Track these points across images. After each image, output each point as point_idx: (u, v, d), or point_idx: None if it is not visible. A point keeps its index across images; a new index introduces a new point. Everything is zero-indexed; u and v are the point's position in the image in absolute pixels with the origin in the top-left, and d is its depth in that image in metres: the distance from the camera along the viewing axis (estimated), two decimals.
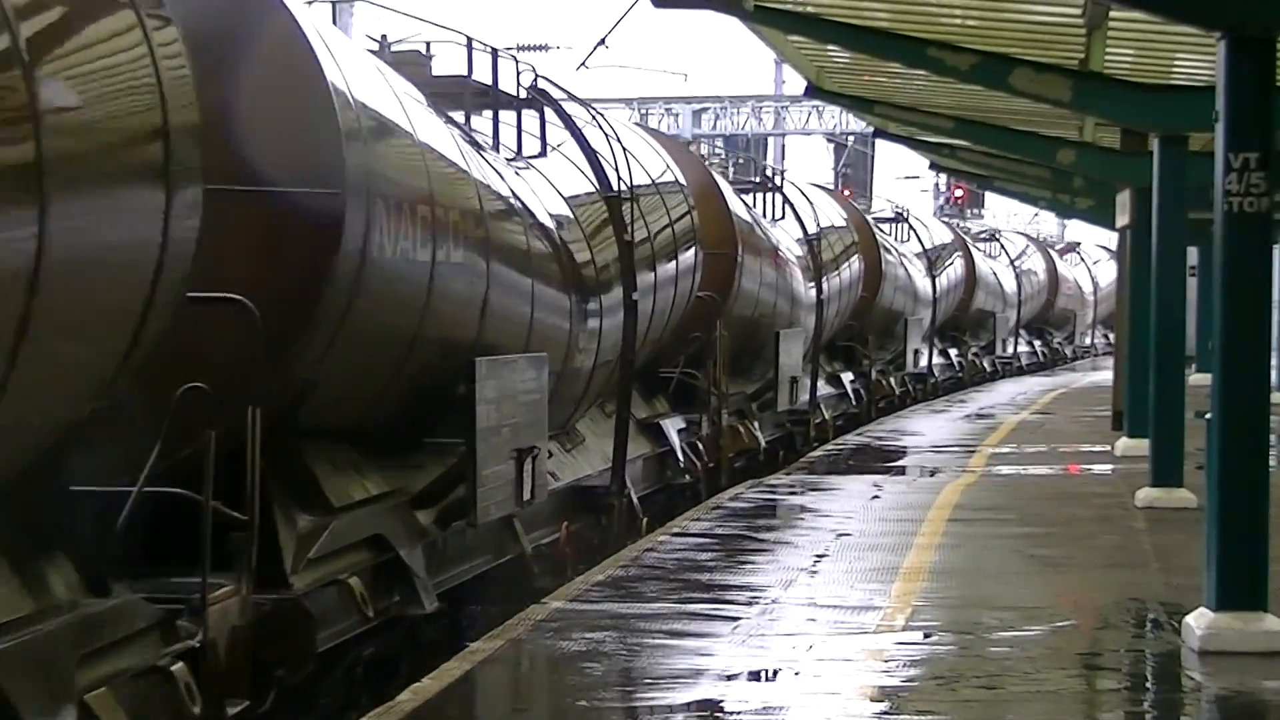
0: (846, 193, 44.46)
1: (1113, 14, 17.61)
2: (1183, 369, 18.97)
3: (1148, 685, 10.85)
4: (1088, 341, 69.92)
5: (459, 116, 14.74)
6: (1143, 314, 21.53)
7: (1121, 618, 12.42)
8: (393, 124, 12.15)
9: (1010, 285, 54.41)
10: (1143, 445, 20.29)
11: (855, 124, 60.37)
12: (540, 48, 59.50)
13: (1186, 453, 18.28)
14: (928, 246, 43.65)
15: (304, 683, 10.27)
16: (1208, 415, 11.45)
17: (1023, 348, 56.52)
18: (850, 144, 70.30)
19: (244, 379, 9.07)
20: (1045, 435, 28.53)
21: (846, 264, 33.54)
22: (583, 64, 35.03)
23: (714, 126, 65.51)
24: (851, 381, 34.48)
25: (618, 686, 10.16)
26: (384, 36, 15.72)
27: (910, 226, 43.47)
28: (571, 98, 18.31)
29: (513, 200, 14.86)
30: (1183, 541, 15.22)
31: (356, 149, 10.96)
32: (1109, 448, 24.60)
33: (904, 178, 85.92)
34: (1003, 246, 56.29)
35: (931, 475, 22.20)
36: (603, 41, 33.41)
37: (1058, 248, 70.82)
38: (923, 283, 41.50)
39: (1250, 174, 11.03)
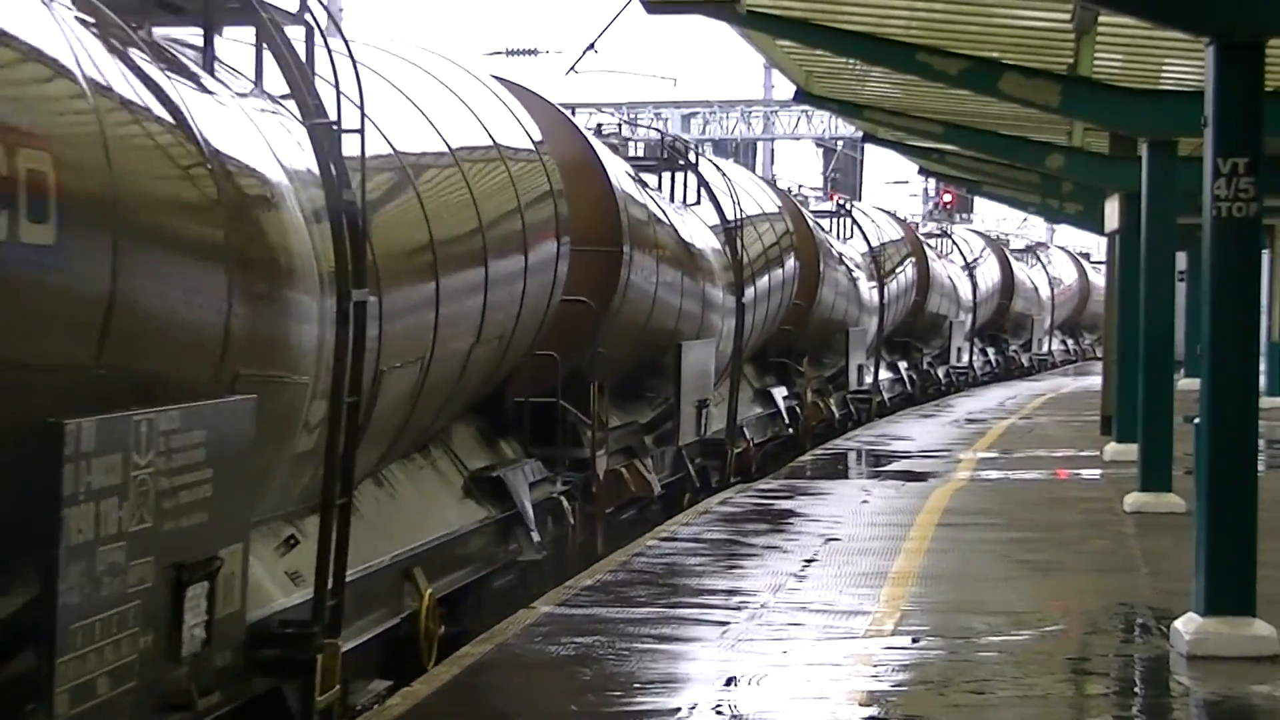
0: (834, 196, 42.16)
1: (1101, 19, 17.65)
2: (1171, 374, 18.99)
3: (1136, 690, 10.86)
4: (1044, 349, 63.63)
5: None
6: (1131, 319, 21.56)
7: (1110, 622, 12.43)
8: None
9: (965, 288, 50.00)
10: (1131, 450, 20.30)
11: (844, 129, 60.43)
12: (529, 52, 59.57)
13: (1175, 457, 18.30)
14: (875, 245, 38.79)
15: None
16: (1196, 420, 11.46)
17: (976, 357, 51.52)
18: (839, 149, 70.33)
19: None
20: (1034, 440, 28.54)
21: (778, 264, 28.53)
22: (572, 69, 35.03)
23: (703, 131, 65.58)
24: (786, 398, 29.82)
25: (607, 691, 10.16)
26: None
27: (854, 221, 38.56)
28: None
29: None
30: (1171, 546, 15.24)
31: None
32: (1098, 452, 24.61)
33: (893, 182, 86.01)
34: (955, 245, 51.90)
35: (920, 480, 22.20)
36: (592, 46, 33.47)
37: (1010, 248, 63.99)
38: (867, 287, 36.62)
39: (1239, 179, 11.05)
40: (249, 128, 9.51)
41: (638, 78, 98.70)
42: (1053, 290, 65.96)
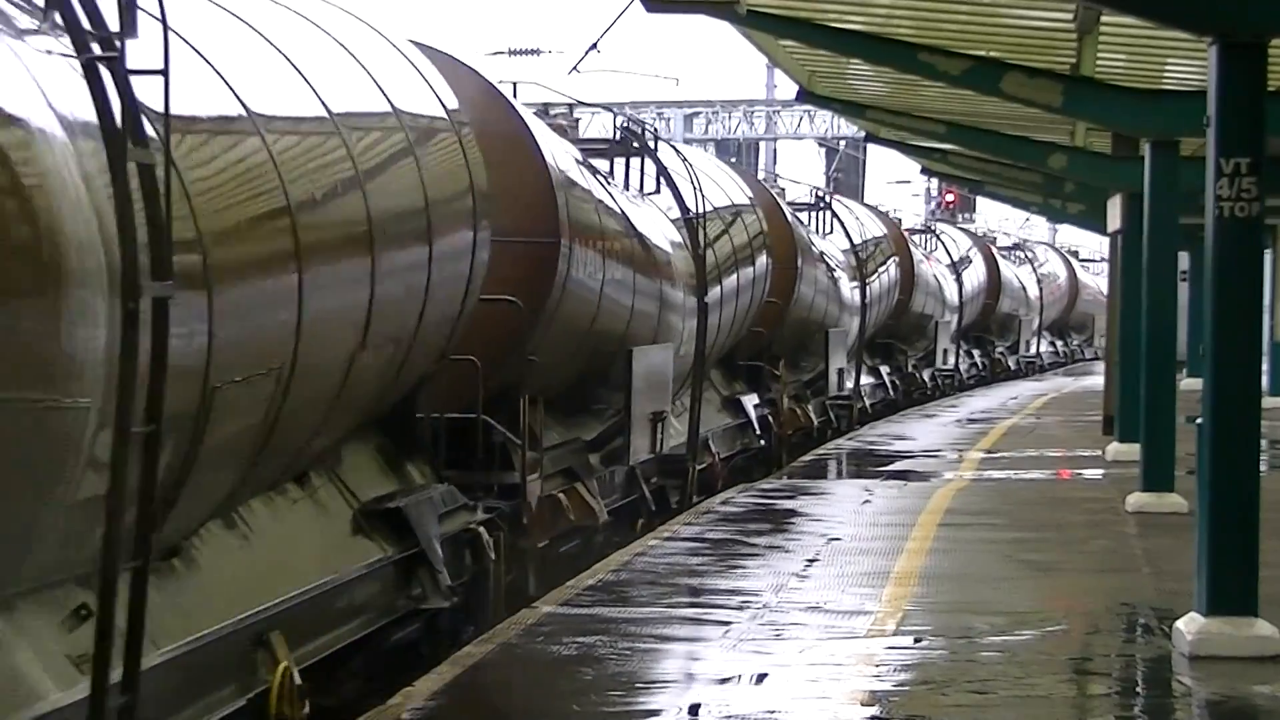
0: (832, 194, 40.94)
1: (1104, 19, 17.67)
2: (1174, 374, 18.99)
3: (1138, 690, 10.85)
4: (1032, 350, 61.09)
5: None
6: (1134, 319, 21.55)
7: (1112, 622, 12.43)
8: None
9: (950, 287, 47.97)
10: (1134, 450, 20.30)
11: (847, 128, 60.51)
12: (532, 52, 59.56)
13: (1177, 458, 18.29)
14: (857, 241, 36.76)
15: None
16: (1199, 420, 11.46)
17: (961, 360, 49.34)
18: (842, 149, 70.40)
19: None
20: (1036, 440, 28.53)
21: (749, 259, 26.22)
22: (574, 68, 34.89)
23: (705, 131, 65.71)
24: (757, 406, 27.71)
25: (609, 691, 10.16)
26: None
27: (835, 215, 36.29)
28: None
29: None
30: (1173, 546, 15.23)
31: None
32: (1100, 452, 24.61)
33: (895, 182, 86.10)
34: (941, 242, 49.82)
35: (923, 479, 22.20)
36: (594, 46, 33.34)
37: (995, 244, 61.34)
38: (849, 285, 34.48)
39: (1241, 179, 11.04)
40: (15, 69, 7.02)
41: (640, 77, 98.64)
42: (1041, 289, 64.34)
